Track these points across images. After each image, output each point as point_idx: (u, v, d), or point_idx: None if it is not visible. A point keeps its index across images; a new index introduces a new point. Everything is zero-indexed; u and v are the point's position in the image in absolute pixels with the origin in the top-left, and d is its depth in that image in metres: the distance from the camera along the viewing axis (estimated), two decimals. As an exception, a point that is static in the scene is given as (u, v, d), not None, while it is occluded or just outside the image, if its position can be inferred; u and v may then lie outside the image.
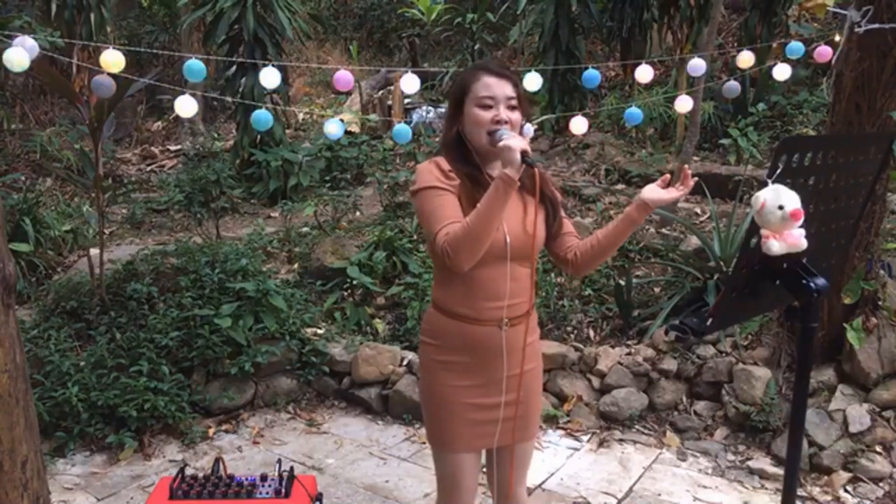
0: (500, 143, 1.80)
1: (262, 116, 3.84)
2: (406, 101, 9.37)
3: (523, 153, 1.74)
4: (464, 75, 2.02)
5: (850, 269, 3.51)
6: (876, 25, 3.17)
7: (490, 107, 1.92)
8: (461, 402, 2.01)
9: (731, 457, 3.64)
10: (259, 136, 6.98)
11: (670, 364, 3.97)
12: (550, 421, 3.91)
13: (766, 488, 3.39)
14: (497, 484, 2.22)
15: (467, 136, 1.97)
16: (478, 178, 1.94)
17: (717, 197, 5.85)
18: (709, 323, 1.55)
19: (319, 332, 4.48)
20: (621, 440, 3.82)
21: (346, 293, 4.79)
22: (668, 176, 1.96)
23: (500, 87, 1.92)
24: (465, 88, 1.96)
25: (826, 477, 3.39)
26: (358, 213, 6.30)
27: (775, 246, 1.47)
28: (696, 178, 1.92)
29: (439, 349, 2.04)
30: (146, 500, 2.57)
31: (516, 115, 1.94)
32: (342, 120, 4.77)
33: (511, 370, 2.00)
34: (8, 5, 8.68)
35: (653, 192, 1.91)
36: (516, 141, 1.77)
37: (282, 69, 4.03)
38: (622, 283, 4.47)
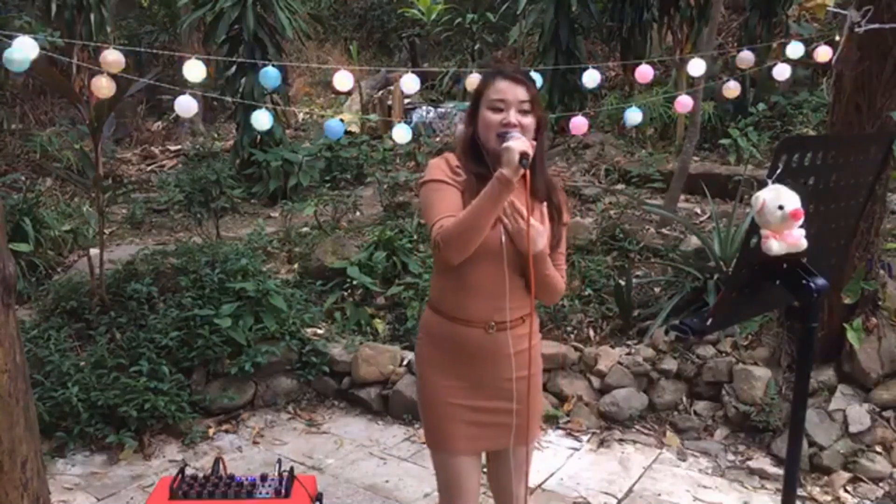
0: (503, 145, 1.81)
1: (262, 116, 3.84)
2: (406, 101, 9.37)
3: (522, 154, 1.75)
4: (481, 79, 2.06)
5: (850, 269, 3.50)
6: (876, 25, 3.17)
7: (501, 110, 1.93)
8: (451, 402, 2.02)
9: (731, 457, 3.64)
10: (259, 136, 6.98)
11: (670, 364, 3.97)
12: (550, 421, 3.91)
13: (766, 488, 3.39)
14: (495, 486, 2.23)
15: (480, 137, 1.99)
16: (486, 177, 1.93)
17: (717, 197, 5.85)
18: (709, 323, 1.55)
19: (319, 332, 4.48)
20: (621, 440, 3.82)
21: (346, 293, 4.78)
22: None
23: (511, 91, 1.94)
24: (480, 92, 2.00)
25: (826, 477, 3.38)
26: (358, 213, 6.30)
27: (775, 246, 1.47)
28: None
29: (430, 348, 2.08)
30: (146, 500, 2.57)
31: (528, 119, 1.94)
32: (342, 120, 4.78)
33: (503, 375, 2.01)
34: (8, 5, 8.69)
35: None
36: (517, 143, 1.78)
37: (282, 69, 4.04)
38: (622, 283, 4.47)
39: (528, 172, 1.79)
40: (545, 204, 1.99)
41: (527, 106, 1.94)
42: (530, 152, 1.77)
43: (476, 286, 1.95)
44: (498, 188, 1.77)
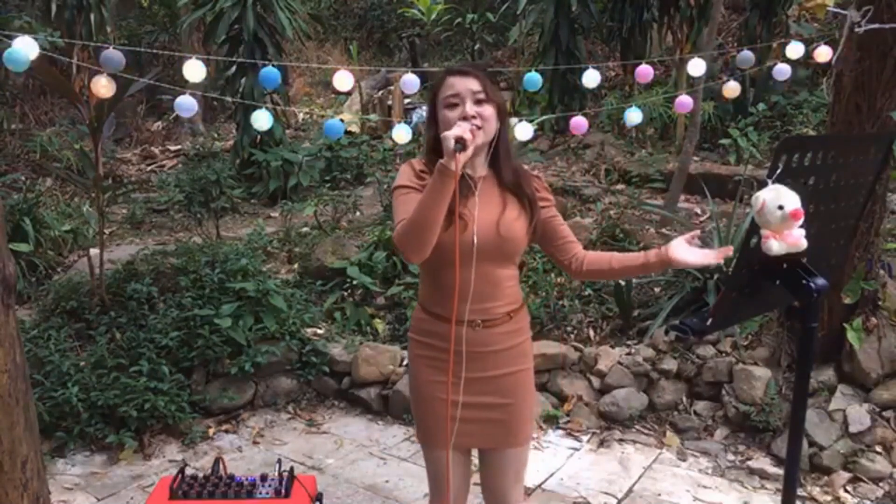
0: (441, 135, 1.81)
1: (262, 116, 3.84)
2: (406, 101, 9.37)
3: (457, 140, 1.75)
4: (434, 82, 2.06)
5: (850, 269, 3.50)
6: (876, 25, 3.17)
7: (456, 105, 1.93)
8: (440, 397, 2.04)
9: (731, 457, 3.64)
10: (259, 136, 6.98)
11: (670, 364, 3.97)
12: (550, 421, 3.91)
13: (766, 488, 3.39)
14: (486, 487, 2.23)
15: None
16: None
17: (717, 197, 5.85)
18: (709, 323, 1.56)
19: (319, 332, 4.48)
20: (621, 440, 3.82)
21: (346, 293, 4.79)
22: (697, 232, 1.93)
23: (463, 84, 1.93)
24: (435, 94, 2.01)
25: (826, 477, 3.38)
26: (358, 213, 6.30)
27: (775, 246, 1.47)
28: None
29: (419, 345, 2.10)
30: (146, 500, 2.57)
31: (486, 109, 1.92)
32: (342, 120, 4.78)
33: (485, 371, 2.03)
34: (8, 5, 8.69)
35: (680, 250, 1.87)
36: (453, 130, 1.78)
37: (282, 69, 4.04)
38: (622, 283, 4.47)
39: (458, 155, 1.76)
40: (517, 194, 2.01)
41: (481, 95, 1.93)
42: (466, 136, 1.77)
43: (453, 286, 1.94)
44: (439, 178, 1.76)
